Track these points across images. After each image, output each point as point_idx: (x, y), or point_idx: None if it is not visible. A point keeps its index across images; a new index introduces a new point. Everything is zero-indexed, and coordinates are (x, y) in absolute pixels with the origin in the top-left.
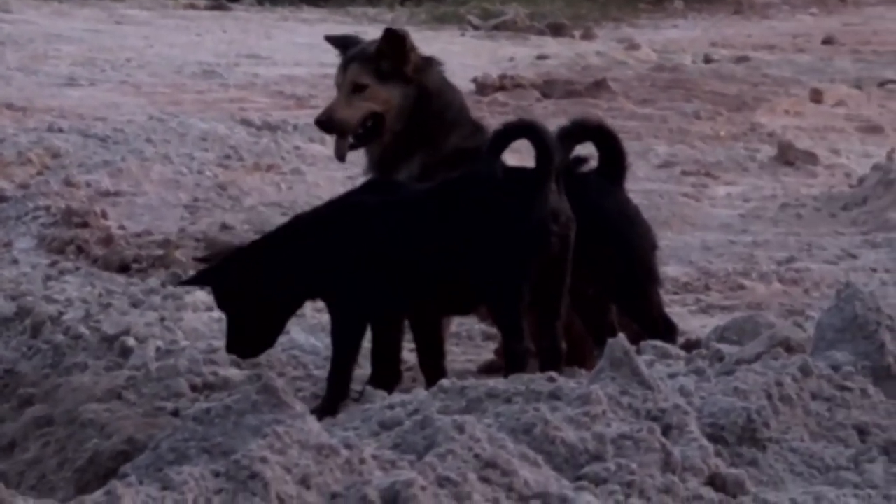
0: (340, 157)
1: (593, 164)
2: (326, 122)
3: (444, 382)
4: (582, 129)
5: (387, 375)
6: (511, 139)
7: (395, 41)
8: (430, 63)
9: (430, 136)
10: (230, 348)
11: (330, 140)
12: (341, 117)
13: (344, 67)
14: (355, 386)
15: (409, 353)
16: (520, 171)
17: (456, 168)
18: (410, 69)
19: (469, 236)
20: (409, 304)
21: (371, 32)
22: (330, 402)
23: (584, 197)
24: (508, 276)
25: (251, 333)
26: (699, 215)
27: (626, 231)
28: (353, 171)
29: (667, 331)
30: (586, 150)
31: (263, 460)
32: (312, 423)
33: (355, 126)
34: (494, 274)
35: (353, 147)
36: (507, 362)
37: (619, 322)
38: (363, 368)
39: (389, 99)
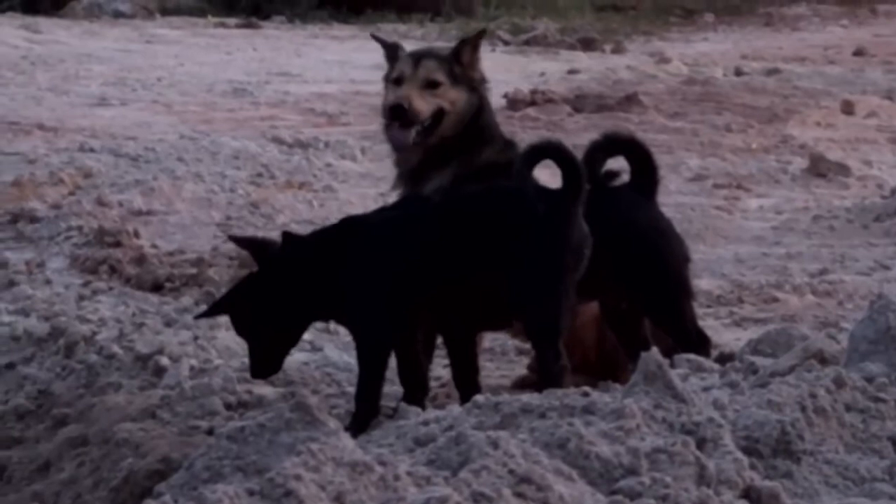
0: (404, 145)
1: (625, 177)
2: (405, 109)
3: (479, 398)
4: (613, 143)
5: (415, 390)
6: (539, 160)
7: (474, 46)
8: (484, 78)
9: (466, 148)
10: (253, 372)
11: (360, 153)
12: (417, 107)
13: (416, 61)
14: (389, 402)
15: (444, 369)
16: (549, 192)
17: (487, 181)
18: (477, 78)
19: (505, 255)
20: (429, 321)
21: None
22: (361, 420)
23: (617, 210)
24: (552, 297)
25: (268, 354)
26: (731, 228)
27: (659, 244)
28: (384, 188)
29: (700, 343)
30: (617, 163)
31: (298, 478)
32: (347, 440)
33: (424, 119)
34: (537, 295)
35: (415, 141)
36: (543, 380)
37: (651, 335)
38: (397, 385)
39: (457, 101)
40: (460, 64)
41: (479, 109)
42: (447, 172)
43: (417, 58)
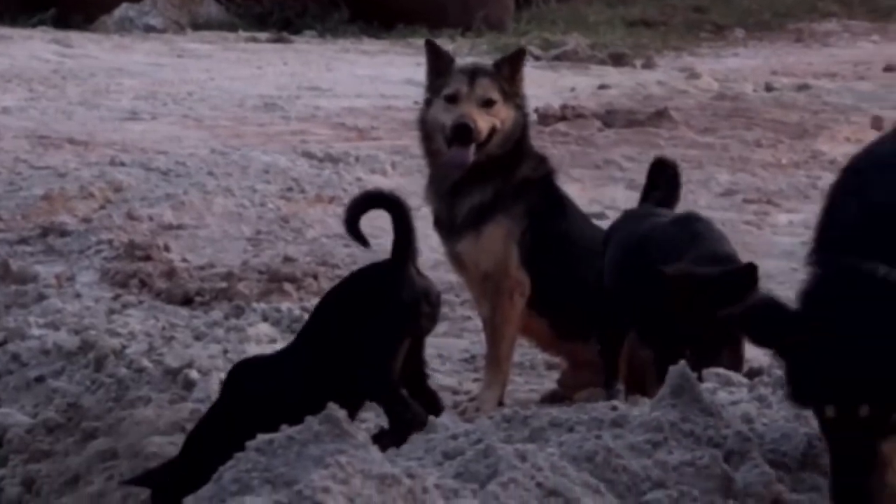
0: (464, 164)
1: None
2: (472, 129)
3: (507, 411)
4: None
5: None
6: (365, 210)
7: (517, 62)
8: (524, 95)
9: (506, 164)
10: None
11: (391, 167)
12: (480, 127)
13: (471, 79)
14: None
15: (473, 383)
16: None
17: (522, 197)
18: (520, 94)
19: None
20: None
21: None
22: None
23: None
24: (382, 357)
25: None
26: (761, 243)
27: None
28: (415, 202)
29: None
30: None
31: (326, 490)
32: (375, 453)
33: (483, 138)
34: (369, 358)
35: (473, 160)
36: (399, 430)
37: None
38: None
39: (507, 119)
40: (506, 81)
41: (524, 127)
42: (488, 189)
43: (472, 75)
